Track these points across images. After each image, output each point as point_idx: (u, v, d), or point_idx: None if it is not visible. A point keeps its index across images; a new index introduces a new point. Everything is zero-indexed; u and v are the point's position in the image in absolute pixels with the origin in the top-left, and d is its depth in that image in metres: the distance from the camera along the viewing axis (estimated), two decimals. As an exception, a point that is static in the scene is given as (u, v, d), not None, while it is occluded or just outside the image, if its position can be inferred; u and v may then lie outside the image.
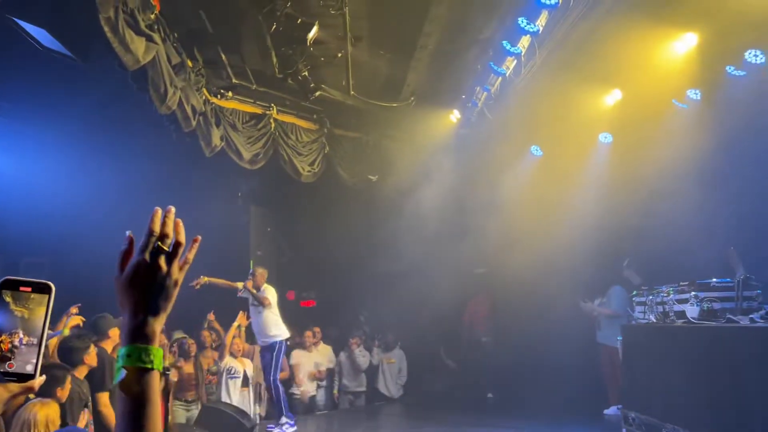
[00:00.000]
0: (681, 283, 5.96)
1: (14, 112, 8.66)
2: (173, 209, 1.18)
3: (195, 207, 10.48)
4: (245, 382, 8.23)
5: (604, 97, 8.38)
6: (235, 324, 8.20)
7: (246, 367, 8.27)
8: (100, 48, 6.11)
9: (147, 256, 1.13)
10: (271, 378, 7.80)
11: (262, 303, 7.96)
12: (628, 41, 6.63)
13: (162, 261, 1.14)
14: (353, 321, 10.60)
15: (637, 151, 8.18)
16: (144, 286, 1.12)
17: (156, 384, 1.09)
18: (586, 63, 7.30)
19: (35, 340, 1.19)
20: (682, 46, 6.97)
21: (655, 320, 6.33)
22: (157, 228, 1.16)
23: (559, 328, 8.60)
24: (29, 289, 1.20)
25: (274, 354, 7.86)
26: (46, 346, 1.16)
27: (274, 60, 7.47)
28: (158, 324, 1.12)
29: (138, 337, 1.09)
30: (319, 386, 9.51)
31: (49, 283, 1.22)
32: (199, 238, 1.23)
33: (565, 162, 9.43)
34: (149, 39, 6.12)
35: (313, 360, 9.44)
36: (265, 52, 7.38)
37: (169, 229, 1.17)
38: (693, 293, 5.69)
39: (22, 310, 1.19)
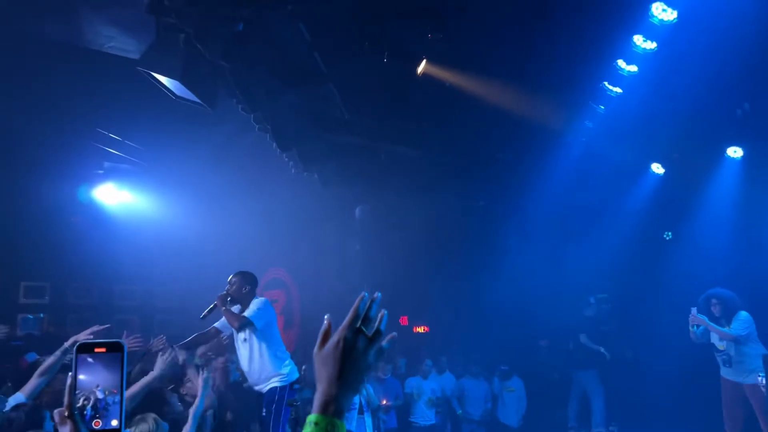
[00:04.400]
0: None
1: (145, 154, 9.39)
2: (378, 296, 1.27)
3: (310, 234, 10.96)
4: (361, 410, 8.30)
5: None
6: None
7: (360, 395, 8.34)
8: (223, 92, 6.58)
9: (349, 334, 1.22)
10: None
11: (231, 323, 5.62)
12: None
13: (361, 342, 1.22)
14: (467, 348, 10.47)
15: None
16: (342, 361, 1.20)
17: None
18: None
19: (116, 397, 1.25)
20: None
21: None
22: (362, 310, 1.25)
23: (684, 357, 8.08)
24: (104, 350, 1.26)
25: (273, 407, 5.57)
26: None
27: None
28: (347, 400, 1.20)
29: (327, 409, 1.17)
30: (437, 413, 9.42)
31: (121, 341, 1.28)
32: (395, 335, 1.29)
33: (690, 181, 8.94)
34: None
35: (430, 387, 9.40)
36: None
37: (372, 315, 1.26)
38: None
39: (100, 369, 1.25)
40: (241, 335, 5.71)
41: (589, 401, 9.29)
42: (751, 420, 6.82)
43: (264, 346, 5.64)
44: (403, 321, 11.77)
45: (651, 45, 6.69)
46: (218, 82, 6.34)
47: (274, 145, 7.30)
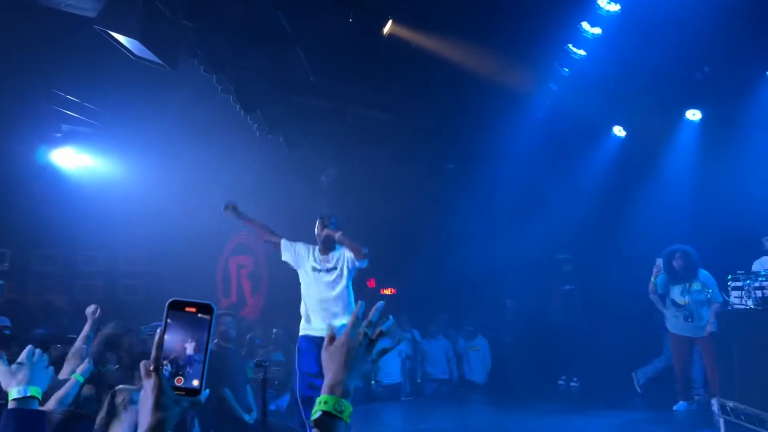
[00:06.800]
0: (781, 267, 5.68)
1: (105, 117, 9.14)
2: (381, 304, 1.45)
3: (277, 198, 10.89)
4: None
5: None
6: None
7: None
8: (185, 52, 6.41)
9: (352, 337, 1.40)
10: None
11: (355, 251, 5.79)
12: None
13: (363, 344, 1.41)
14: (433, 309, 10.63)
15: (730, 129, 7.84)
16: (346, 359, 1.38)
17: (340, 430, 1.33)
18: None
19: (200, 357, 1.27)
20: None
21: (753, 306, 6.05)
22: (360, 315, 1.44)
23: (636, 318, 8.37)
24: (194, 309, 1.27)
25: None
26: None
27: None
28: (352, 384, 1.37)
29: (335, 390, 1.34)
30: (403, 371, 9.59)
31: (211, 303, 1.30)
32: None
33: (650, 143, 9.12)
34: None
35: (396, 347, 9.53)
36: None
37: (374, 320, 1.44)
38: (795, 278, 5.40)
39: (188, 328, 1.27)
40: (338, 269, 5.84)
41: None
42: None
43: (350, 283, 5.90)
44: (371, 284, 11.88)
45: (615, 7, 6.74)
46: (180, 42, 6.18)
47: (238, 107, 7.19)
